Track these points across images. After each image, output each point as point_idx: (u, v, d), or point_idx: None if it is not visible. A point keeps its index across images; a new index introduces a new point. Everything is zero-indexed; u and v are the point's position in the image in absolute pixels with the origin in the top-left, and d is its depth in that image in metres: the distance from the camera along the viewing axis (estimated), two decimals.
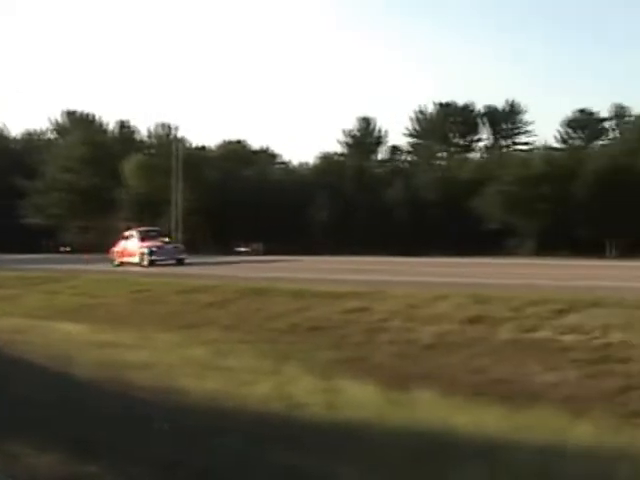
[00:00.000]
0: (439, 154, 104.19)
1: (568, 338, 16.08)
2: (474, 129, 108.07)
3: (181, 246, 48.37)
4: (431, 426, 8.94)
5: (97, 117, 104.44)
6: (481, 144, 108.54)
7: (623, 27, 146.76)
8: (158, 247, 44.15)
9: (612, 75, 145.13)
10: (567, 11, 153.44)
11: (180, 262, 43.84)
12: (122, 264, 44.39)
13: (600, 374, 13.67)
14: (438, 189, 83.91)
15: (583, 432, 8.89)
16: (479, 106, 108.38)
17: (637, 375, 13.48)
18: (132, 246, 45.16)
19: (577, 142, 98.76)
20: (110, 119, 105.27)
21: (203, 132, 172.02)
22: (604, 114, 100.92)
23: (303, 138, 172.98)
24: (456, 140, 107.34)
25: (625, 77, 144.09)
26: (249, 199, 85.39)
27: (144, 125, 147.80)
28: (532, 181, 75.13)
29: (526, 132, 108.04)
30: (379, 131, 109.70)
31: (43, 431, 7.75)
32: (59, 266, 43.26)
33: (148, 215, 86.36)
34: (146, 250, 43.55)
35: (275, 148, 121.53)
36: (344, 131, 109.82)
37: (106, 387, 11.30)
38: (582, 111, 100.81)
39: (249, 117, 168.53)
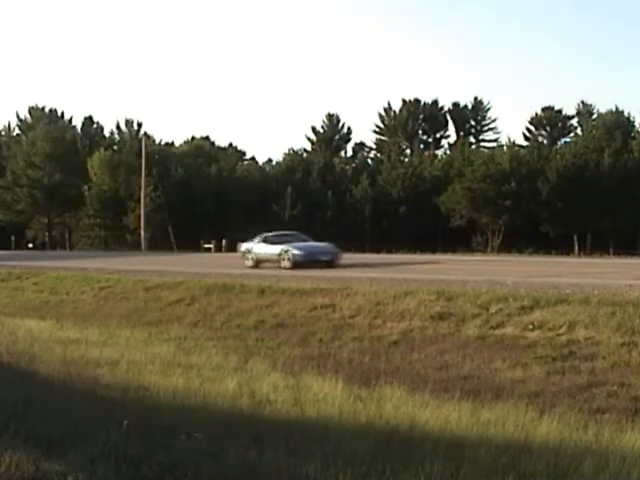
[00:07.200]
0: (406, 151, 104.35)
1: (534, 334, 16.17)
2: (441, 126, 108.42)
3: None
4: (397, 422, 8.92)
5: (62, 113, 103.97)
6: (448, 141, 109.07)
7: (590, 26, 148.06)
8: None
9: (578, 72, 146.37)
10: (534, 9, 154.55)
11: None
12: None
13: (565, 370, 13.75)
14: (404, 186, 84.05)
15: (549, 428, 8.92)
16: (446, 103, 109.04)
17: (601, 372, 13.57)
18: None
19: (543, 139, 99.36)
20: (76, 115, 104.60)
21: (170, 128, 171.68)
22: (570, 111, 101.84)
23: (270, 135, 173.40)
24: (423, 137, 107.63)
25: (591, 75, 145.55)
26: (214, 196, 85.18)
27: (110, 121, 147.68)
28: (498, 178, 75.45)
29: (492, 129, 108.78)
30: (346, 128, 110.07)
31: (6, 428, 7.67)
32: (24, 262, 42.88)
33: (113, 212, 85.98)
34: None
35: (242, 145, 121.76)
36: (311, 128, 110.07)
37: (70, 384, 11.20)
38: (548, 108, 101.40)
39: (216, 113, 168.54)
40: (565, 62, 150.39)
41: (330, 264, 34.88)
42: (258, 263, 36.75)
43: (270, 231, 41.25)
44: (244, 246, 39.59)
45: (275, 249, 36.01)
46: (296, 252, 34.94)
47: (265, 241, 37.93)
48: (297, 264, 33.90)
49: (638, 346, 14.35)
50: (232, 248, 68.54)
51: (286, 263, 34.58)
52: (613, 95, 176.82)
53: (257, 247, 37.95)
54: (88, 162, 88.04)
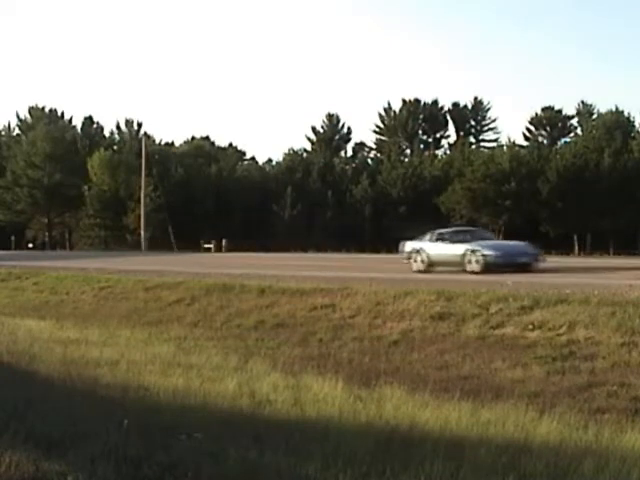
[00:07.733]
0: (406, 151, 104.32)
1: (534, 334, 16.16)
2: (441, 126, 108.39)
3: None
4: (397, 422, 8.91)
5: (62, 113, 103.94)
6: (448, 141, 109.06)
7: (590, 26, 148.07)
8: None
9: (578, 72, 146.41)
10: (534, 9, 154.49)
11: None
12: None
13: (565, 370, 13.74)
14: (404, 186, 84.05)
15: (549, 428, 8.91)
16: (446, 103, 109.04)
17: (601, 372, 13.56)
18: None
19: (543, 139, 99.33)
20: (76, 115, 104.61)
21: (170, 128, 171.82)
22: (570, 111, 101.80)
23: (270, 135, 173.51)
24: (423, 137, 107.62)
25: (591, 75, 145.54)
26: (214, 196, 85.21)
27: (110, 121, 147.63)
28: (498, 178, 75.47)
29: (492, 129, 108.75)
30: (346, 128, 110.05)
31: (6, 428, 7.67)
32: (24, 262, 42.85)
33: (113, 212, 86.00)
34: None
35: (242, 145, 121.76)
36: (311, 128, 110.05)
37: (70, 384, 11.19)
38: (548, 108, 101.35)
39: (216, 113, 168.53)
40: (565, 62, 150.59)
41: (528, 267, 28.68)
42: (431, 266, 30.95)
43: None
44: (410, 245, 33.16)
45: (457, 249, 30.07)
46: (489, 253, 29.09)
47: (441, 239, 31.98)
48: (490, 267, 28.18)
49: (638, 346, 14.33)
50: (233, 248, 68.81)
51: (474, 266, 28.72)
52: (613, 95, 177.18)
53: (430, 247, 31.61)
54: (88, 162, 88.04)
